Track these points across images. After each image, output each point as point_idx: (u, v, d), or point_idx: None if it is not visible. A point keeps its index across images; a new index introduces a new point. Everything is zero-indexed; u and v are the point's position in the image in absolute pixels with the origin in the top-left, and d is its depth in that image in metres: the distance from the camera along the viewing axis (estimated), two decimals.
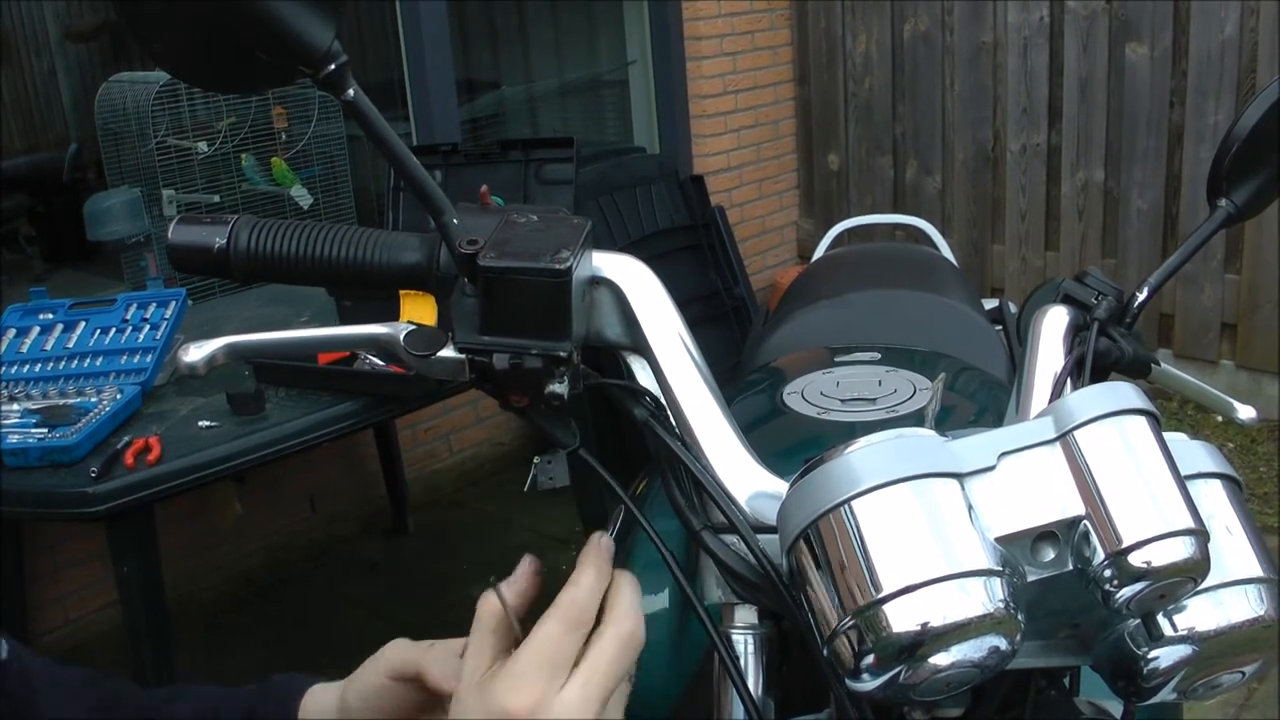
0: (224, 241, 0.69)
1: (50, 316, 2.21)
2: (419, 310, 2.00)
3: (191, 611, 2.83)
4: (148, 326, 2.16)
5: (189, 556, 2.86)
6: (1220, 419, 3.43)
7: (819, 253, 2.20)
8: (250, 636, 2.82)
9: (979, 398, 1.32)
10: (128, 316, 2.19)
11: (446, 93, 3.30)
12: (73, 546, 2.69)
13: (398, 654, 0.71)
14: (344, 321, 2.32)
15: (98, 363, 2.12)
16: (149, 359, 2.10)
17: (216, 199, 2.87)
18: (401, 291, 0.91)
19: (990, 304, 1.89)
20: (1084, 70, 3.61)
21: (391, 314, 2.00)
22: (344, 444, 3.07)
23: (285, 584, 3.06)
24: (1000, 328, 1.78)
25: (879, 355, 1.28)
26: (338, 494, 3.27)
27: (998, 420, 1.04)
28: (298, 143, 2.97)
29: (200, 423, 1.97)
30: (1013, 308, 1.91)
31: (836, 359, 1.29)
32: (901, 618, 0.57)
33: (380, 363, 2.12)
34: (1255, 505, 3.03)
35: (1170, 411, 3.41)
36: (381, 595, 2.99)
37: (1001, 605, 0.58)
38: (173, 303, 2.19)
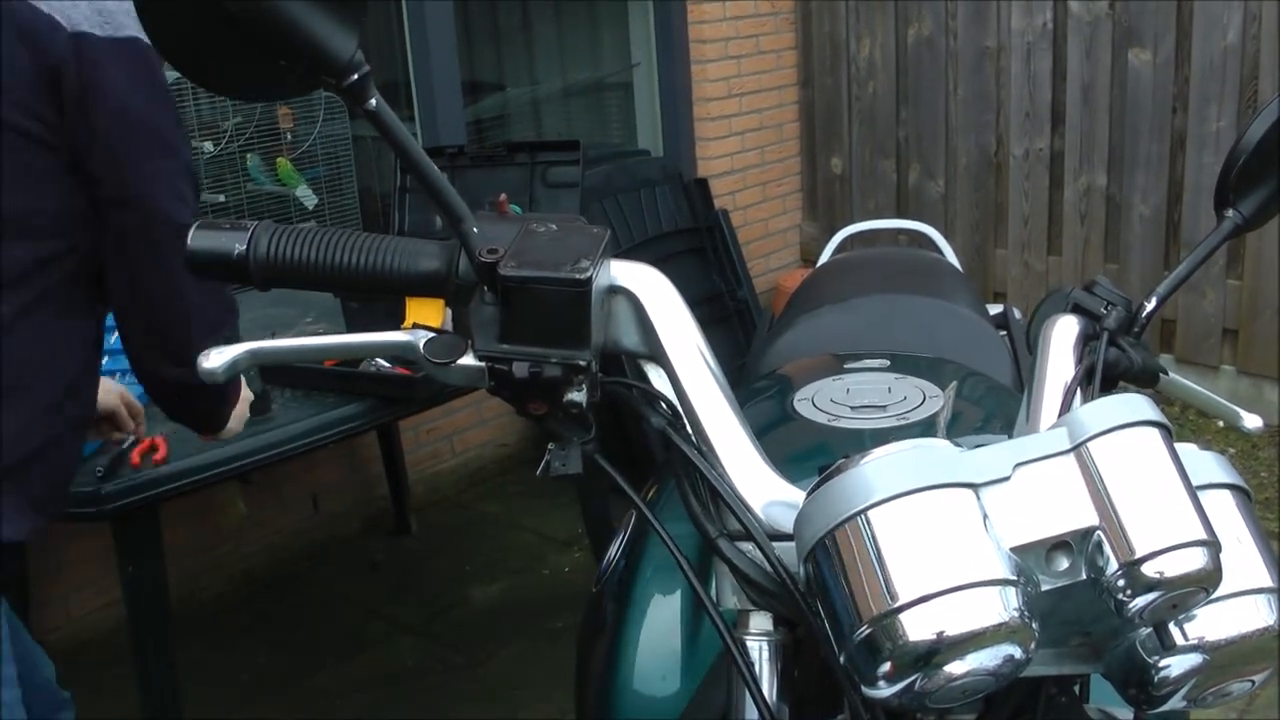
0: (244, 248, 0.69)
1: None
2: (424, 313, 1.99)
3: (192, 610, 2.84)
4: None
5: (190, 555, 2.86)
6: (1220, 424, 3.44)
7: (824, 258, 2.20)
8: (251, 636, 2.83)
9: (985, 403, 1.32)
10: None
11: (452, 94, 3.30)
12: (75, 545, 2.69)
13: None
14: (349, 322, 2.32)
15: (104, 361, 2.11)
16: None
17: (221, 199, 2.87)
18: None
19: (994, 309, 1.89)
20: (1087, 75, 3.61)
21: (397, 315, 2.00)
22: (347, 444, 3.08)
23: (287, 583, 3.06)
24: (1004, 333, 1.78)
25: (887, 362, 1.29)
26: (340, 494, 3.27)
27: (1004, 426, 1.05)
28: (303, 143, 2.98)
29: None
30: (1016, 313, 1.92)
31: (845, 365, 1.30)
32: (918, 626, 0.58)
33: (386, 364, 2.12)
34: (1257, 511, 3.03)
35: (1171, 417, 3.40)
36: (383, 595, 3.00)
37: (1016, 614, 0.58)
38: None
